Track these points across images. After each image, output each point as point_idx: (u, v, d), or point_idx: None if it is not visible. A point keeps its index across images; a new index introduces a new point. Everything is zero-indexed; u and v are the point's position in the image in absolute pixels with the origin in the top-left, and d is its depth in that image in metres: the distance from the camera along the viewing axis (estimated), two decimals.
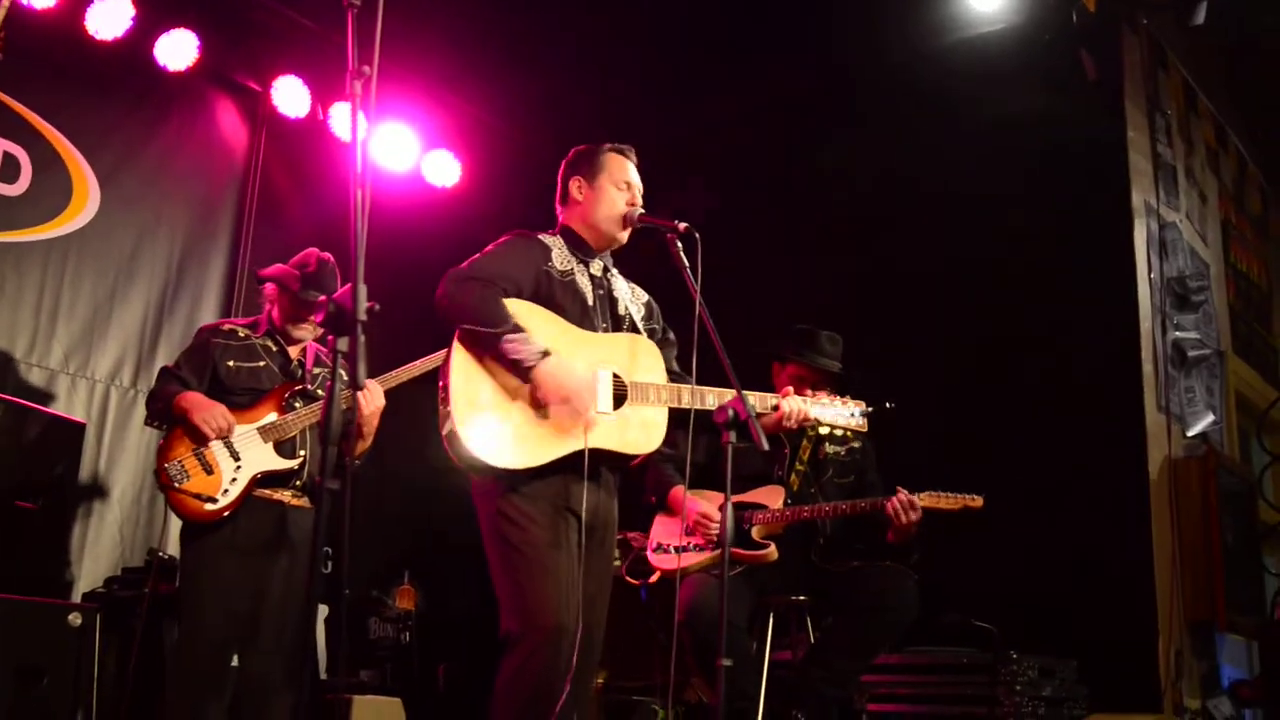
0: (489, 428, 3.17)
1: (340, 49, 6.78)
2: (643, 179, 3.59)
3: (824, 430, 3.73)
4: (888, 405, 3.86)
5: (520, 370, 3.18)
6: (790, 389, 3.62)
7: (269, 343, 4.27)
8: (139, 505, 5.90)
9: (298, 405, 4.15)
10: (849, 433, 3.77)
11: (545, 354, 3.18)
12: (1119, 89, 6.11)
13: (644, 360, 3.42)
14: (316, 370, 4.32)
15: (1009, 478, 5.38)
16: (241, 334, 4.26)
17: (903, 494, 4.25)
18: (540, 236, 3.51)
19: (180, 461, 3.94)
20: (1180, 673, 5.50)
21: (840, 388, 4.59)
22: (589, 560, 3.28)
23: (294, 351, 4.30)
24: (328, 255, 4.33)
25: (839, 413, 3.67)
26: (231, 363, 4.15)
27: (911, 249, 6.29)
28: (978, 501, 4.24)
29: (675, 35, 6.73)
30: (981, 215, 6.13)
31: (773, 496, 4.50)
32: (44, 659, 4.33)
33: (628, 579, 4.49)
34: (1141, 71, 6.36)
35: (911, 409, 4.10)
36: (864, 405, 3.71)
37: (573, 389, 3.19)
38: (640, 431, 3.34)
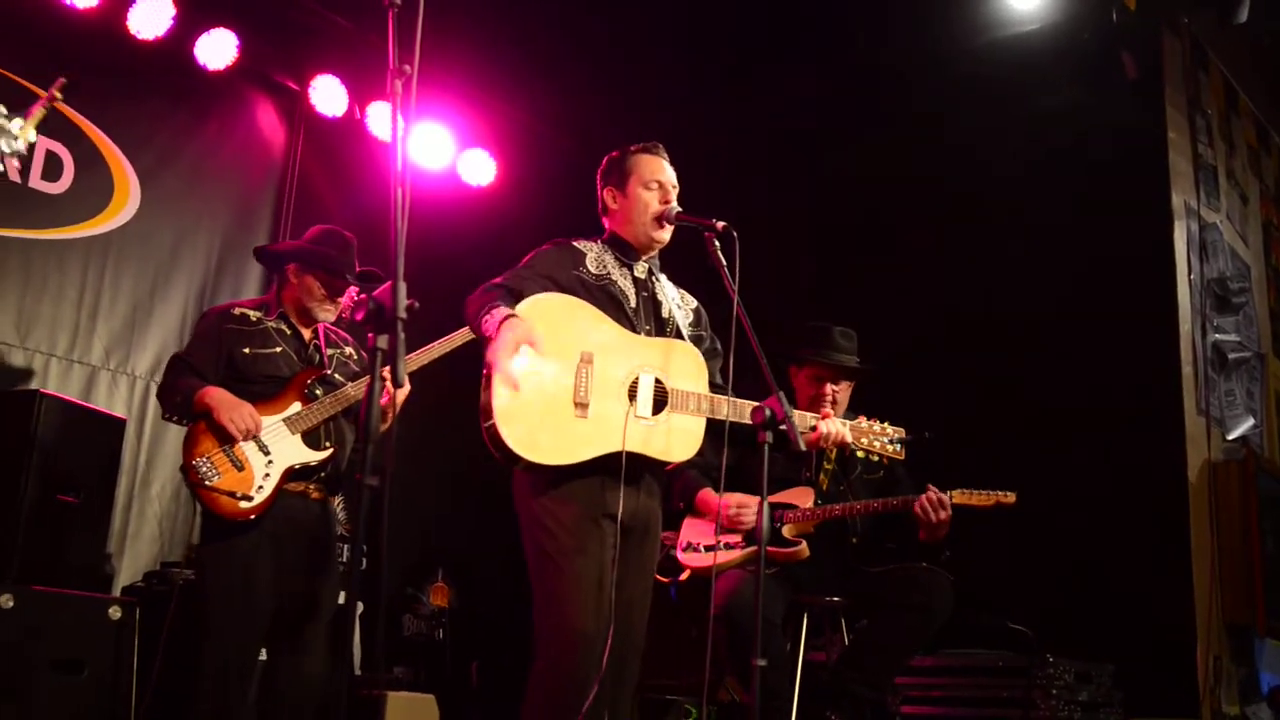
0: (528, 422, 3.17)
1: (377, 48, 6.80)
2: (678, 176, 3.57)
3: (858, 452, 3.73)
4: (926, 435, 3.84)
5: (482, 337, 3.16)
6: (829, 410, 3.62)
7: (283, 326, 4.15)
8: (178, 501, 5.96)
9: (319, 393, 4.05)
10: (885, 458, 3.77)
11: (507, 318, 3.14)
12: (1159, 89, 6.05)
13: (687, 367, 3.41)
14: (331, 352, 4.24)
15: (1047, 480, 5.35)
16: (253, 318, 4.12)
17: (932, 492, 4.23)
18: (576, 242, 3.52)
19: (209, 458, 3.83)
20: (1219, 678, 5.44)
21: (861, 381, 4.60)
22: (627, 563, 3.29)
23: (306, 334, 4.20)
24: (350, 234, 4.26)
25: (876, 438, 3.67)
26: (247, 349, 4.03)
27: (947, 250, 6.26)
28: (1010, 498, 4.21)
29: (710, 35, 6.73)
30: (1019, 216, 6.09)
31: (803, 497, 4.49)
32: (84, 652, 4.38)
33: (657, 577, 4.49)
34: (1182, 71, 6.30)
35: (947, 410, 4.08)
36: (902, 432, 3.70)
37: (523, 338, 3.12)
38: (675, 439, 3.33)
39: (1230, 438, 6.14)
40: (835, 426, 3.55)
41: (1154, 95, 6.04)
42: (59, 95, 2.93)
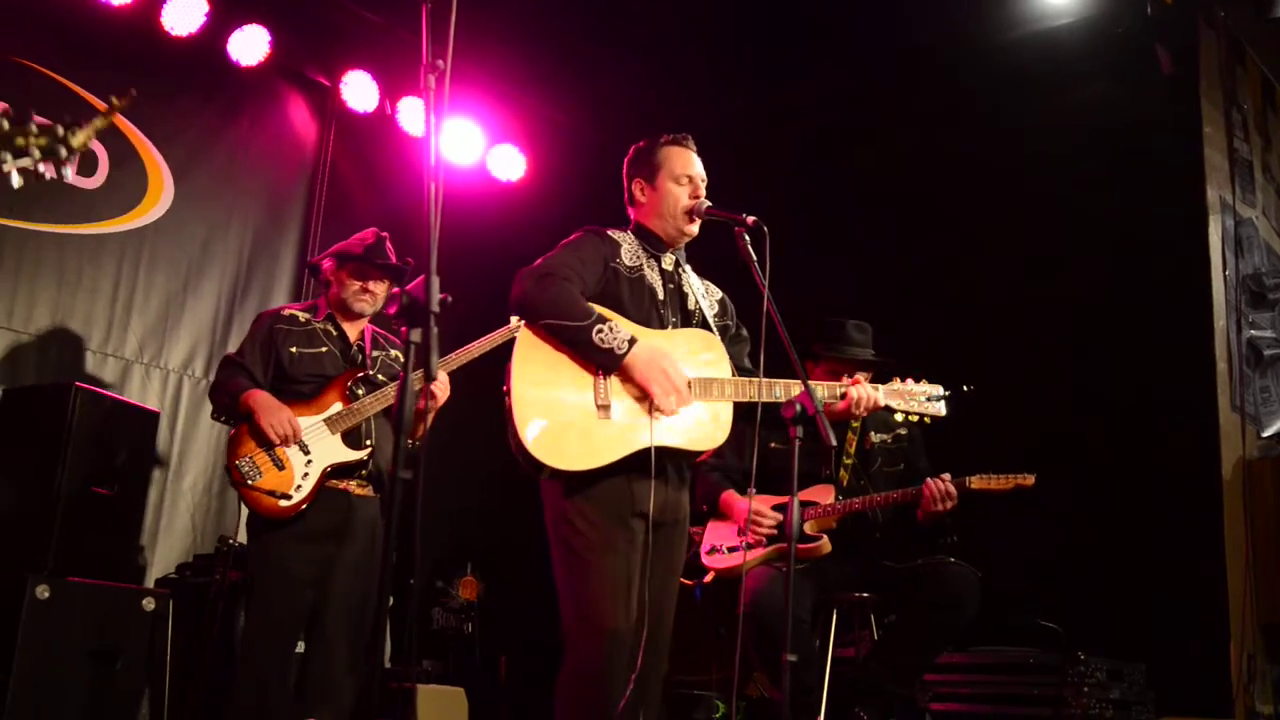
0: (552, 431, 3.17)
1: (407, 44, 6.88)
2: (707, 171, 3.56)
3: (896, 415, 3.59)
4: (965, 389, 3.72)
5: (612, 359, 3.19)
6: (860, 377, 3.54)
7: (329, 327, 4.29)
8: (210, 493, 6.02)
9: (360, 393, 4.15)
10: (927, 418, 3.60)
11: (633, 340, 3.20)
12: (1195, 83, 5.99)
13: (707, 355, 3.40)
14: (375, 354, 4.33)
15: (1079, 477, 5.32)
16: (302, 319, 4.27)
17: (943, 480, 4.22)
18: (610, 232, 3.51)
19: (251, 458, 3.97)
20: (1253, 677, 5.39)
21: (879, 375, 4.56)
22: (656, 558, 3.28)
23: (352, 335, 4.31)
24: (384, 233, 4.35)
25: (913, 399, 3.51)
26: (294, 349, 4.17)
27: (980, 246, 6.22)
28: (1029, 480, 4.19)
29: (737, 28, 6.71)
30: (1054, 211, 6.05)
31: (823, 494, 4.49)
32: (119, 642, 4.45)
33: (682, 580, 4.49)
34: (1218, 65, 6.23)
35: (977, 405, 4.05)
36: (940, 388, 3.54)
37: (668, 365, 3.20)
38: (705, 427, 3.31)
39: (1265, 435, 6.07)
40: (866, 391, 3.43)
41: (1189, 89, 5.97)
42: (116, 102, 2.96)
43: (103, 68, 5.77)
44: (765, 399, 3.30)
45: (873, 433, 4.66)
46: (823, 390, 3.43)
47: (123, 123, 5.86)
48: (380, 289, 4.31)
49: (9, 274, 5.41)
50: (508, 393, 3.20)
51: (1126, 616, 5.32)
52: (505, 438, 3.21)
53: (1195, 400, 5.64)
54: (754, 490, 4.24)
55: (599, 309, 3.28)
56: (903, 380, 3.57)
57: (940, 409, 3.54)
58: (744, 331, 3.65)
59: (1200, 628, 5.33)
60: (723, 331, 3.56)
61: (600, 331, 3.18)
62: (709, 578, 4.48)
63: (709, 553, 4.50)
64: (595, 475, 3.20)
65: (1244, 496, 5.70)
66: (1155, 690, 5.02)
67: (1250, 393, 6.00)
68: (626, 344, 3.19)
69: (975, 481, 4.24)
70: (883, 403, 3.48)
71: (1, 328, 5.34)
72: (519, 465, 3.22)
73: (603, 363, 3.21)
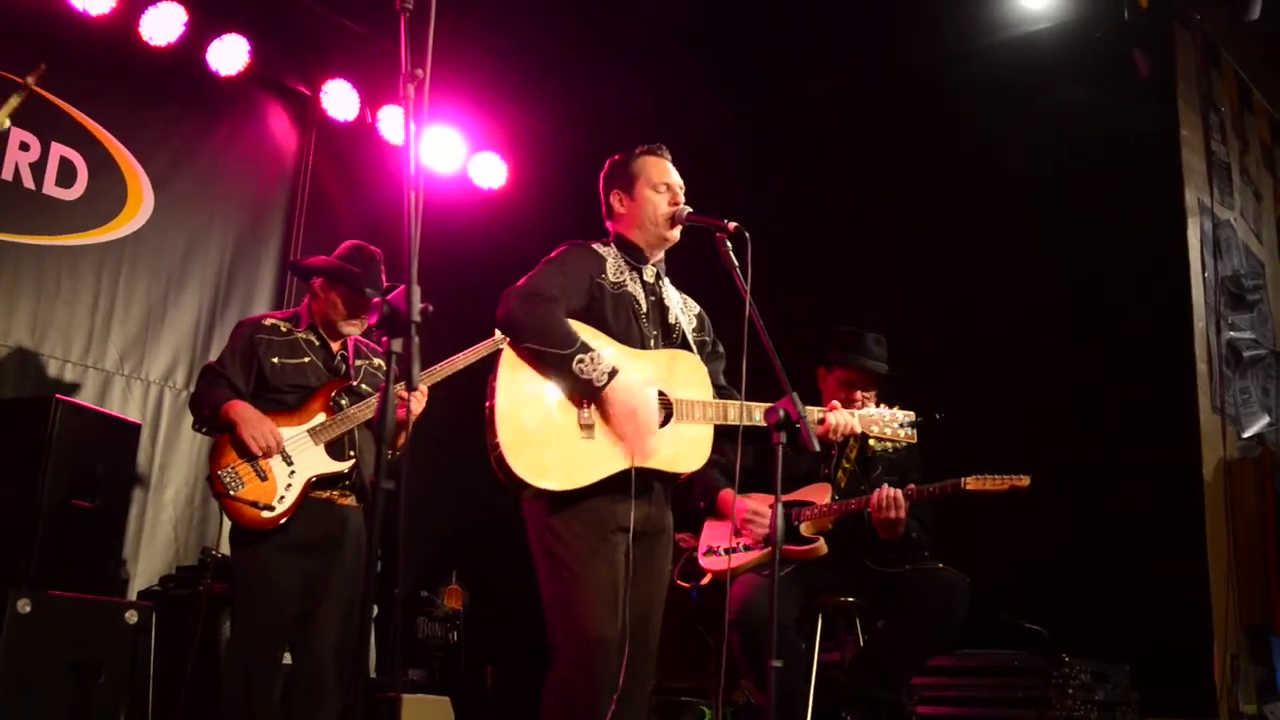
0: (534, 449, 3.16)
1: (388, 53, 6.86)
2: (689, 179, 3.56)
3: (870, 440, 3.70)
4: (937, 416, 3.82)
5: (590, 390, 3.18)
6: (837, 403, 3.59)
7: (311, 337, 4.23)
8: (192, 505, 5.99)
9: (344, 403, 4.12)
10: (898, 444, 3.74)
11: (614, 373, 3.19)
12: (1172, 86, 6.03)
13: (689, 376, 3.39)
14: (359, 363, 4.29)
15: (1061, 479, 5.33)
16: (284, 329, 4.21)
17: (885, 489, 4.25)
18: (595, 246, 3.50)
19: (233, 468, 3.91)
20: (1236, 677, 5.42)
21: (889, 389, 4.57)
22: (641, 571, 3.27)
23: (335, 345, 4.26)
24: (376, 250, 4.30)
25: (886, 424, 3.65)
26: (276, 359, 4.11)
27: (960, 249, 6.24)
28: (1024, 481, 4.19)
29: (722, 37, 6.72)
30: (1032, 214, 6.08)
31: (820, 493, 4.48)
32: (101, 655, 4.41)
33: (679, 582, 4.49)
34: (1195, 68, 6.27)
35: (961, 409, 4.06)
36: (912, 415, 3.68)
37: (640, 405, 3.19)
38: (685, 449, 3.31)
39: (1246, 436, 6.11)
40: (844, 418, 3.52)
41: (1167, 93, 6.01)
42: (30, 81, 2.88)
43: (81, 78, 5.75)
44: (745, 422, 3.32)
45: (874, 441, 4.66)
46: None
47: (101, 133, 5.84)
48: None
49: None
50: (491, 408, 3.19)
51: (1110, 618, 5.34)
52: (486, 451, 3.20)
53: (1176, 402, 5.67)
54: (740, 498, 4.23)
55: (583, 330, 3.26)
56: (877, 405, 3.70)
57: (912, 435, 3.68)
58: (720, 348, 3.66)
59: (1184, 629, 5.35)
60: (700, 348, 3.56)
61: (581, 362, 3.16)
62: (706, 580, 4.47)
63: (706, 554, 4.48)
64: (577, 494, 3.19)
65: (1225, 498, 5.73)
66: (1140, 691, 5.03)
67: (1230, 394, 6.04)
68: (605, 377, 3.17)
69: (971, 482, 4.24)
70: (858, 429, 3.58)
71: None
72: (499, 480, 3.21)
73: (581, 392, 3.20)
